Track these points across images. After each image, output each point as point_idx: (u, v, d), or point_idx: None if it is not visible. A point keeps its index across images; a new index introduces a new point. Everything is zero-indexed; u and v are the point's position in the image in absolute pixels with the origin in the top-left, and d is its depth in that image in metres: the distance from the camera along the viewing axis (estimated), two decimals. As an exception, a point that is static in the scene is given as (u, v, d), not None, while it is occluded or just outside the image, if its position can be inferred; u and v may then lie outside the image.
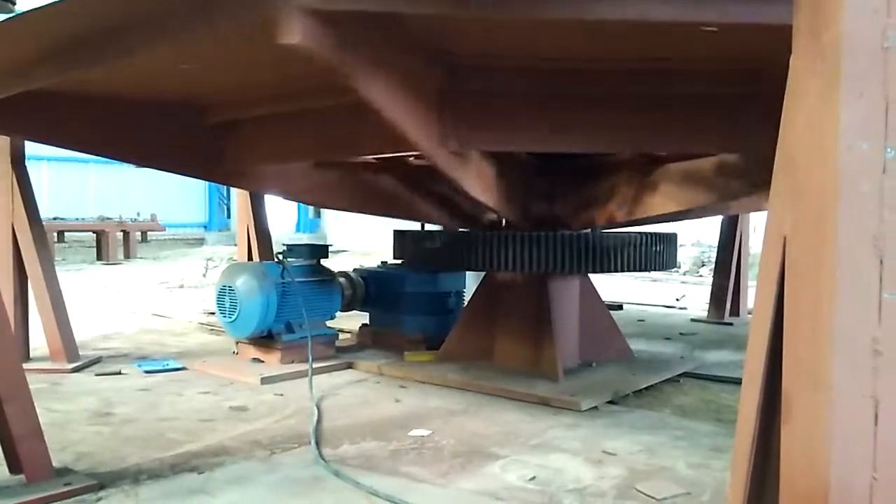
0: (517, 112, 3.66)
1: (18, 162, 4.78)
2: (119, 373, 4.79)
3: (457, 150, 3.65)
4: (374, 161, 5.34)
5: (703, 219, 7.21)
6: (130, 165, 5.80)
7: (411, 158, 5.31)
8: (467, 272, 5.86)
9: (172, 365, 4.98)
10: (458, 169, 3.81)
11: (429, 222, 6.37)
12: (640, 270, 4.91)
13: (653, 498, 2.76)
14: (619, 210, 4.77)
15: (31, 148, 4.98)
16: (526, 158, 4.85)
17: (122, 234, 16.35)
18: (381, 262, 6.07)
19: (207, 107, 4.59)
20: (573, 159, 4.94)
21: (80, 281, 10.90)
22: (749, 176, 4.20)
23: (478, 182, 4.06)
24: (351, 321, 5.95)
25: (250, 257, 6.62)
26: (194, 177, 5.85)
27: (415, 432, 3.55)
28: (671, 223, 5.93)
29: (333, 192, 5.54)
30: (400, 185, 5.51)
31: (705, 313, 7.61)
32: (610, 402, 4.12)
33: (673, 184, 4.54)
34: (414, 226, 6.71)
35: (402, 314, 5.44)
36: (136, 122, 4.40)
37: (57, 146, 4.48)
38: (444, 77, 3.46)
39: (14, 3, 3.88)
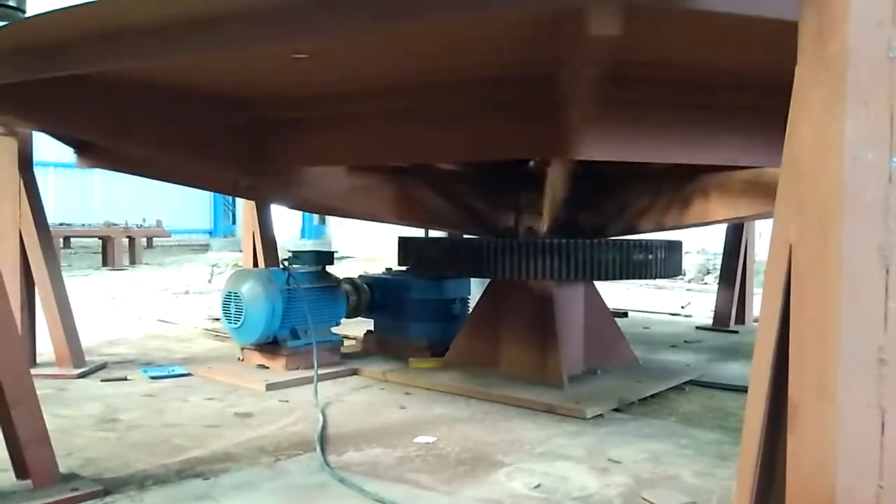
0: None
1: (26, 168, 4.81)
2: (125, 379, 4.80)
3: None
4: (407, 167, 5.32)
5: (708, 226, 7.20)
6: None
7: (442, 164, 5.36)
8: (472, 279, 5.87)
9: (178, 371, 4.99)
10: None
11: (450, 230, 6.35)
12: (645, 278, 4.92)
13: (658, 506, 2.75)
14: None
15: (37, 154, 5.02)
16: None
17: (127, 240, 16.40)
18: (386, 269, 6.08)
19: (258, 103, 4.40)
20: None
21: (86, 287, 10.94)
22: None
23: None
24: (356, 328, 5.96)
25: (256, 264, 6.64)
26: (216, 182, 5.68)
27: (420, 439, 3.55)
28: (675, 231, 5.94)
29: (365, 199, 5.38)
30: (429, 191, 5.49)
31: (710, 321, 7.60)
32: (615, 410, 4.11)
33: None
34: (418, 233, 6.72)
35: (407, 321, 5.45)
36: (174, 117, 4.24)
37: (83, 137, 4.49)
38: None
39: (24, 11, 3.91)
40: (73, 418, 3.84)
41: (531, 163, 5.07)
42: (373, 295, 5.63)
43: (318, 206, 7.68)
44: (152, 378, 4.83)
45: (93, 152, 4.84)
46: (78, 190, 20.79)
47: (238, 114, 4.42)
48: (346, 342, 5.61)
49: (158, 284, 11.58)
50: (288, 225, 20.24)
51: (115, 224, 16.75)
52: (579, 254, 4.43)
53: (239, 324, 4.89)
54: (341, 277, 5.61)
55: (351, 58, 3.37)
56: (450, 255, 4.99)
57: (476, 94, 3.66)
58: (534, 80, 3.33)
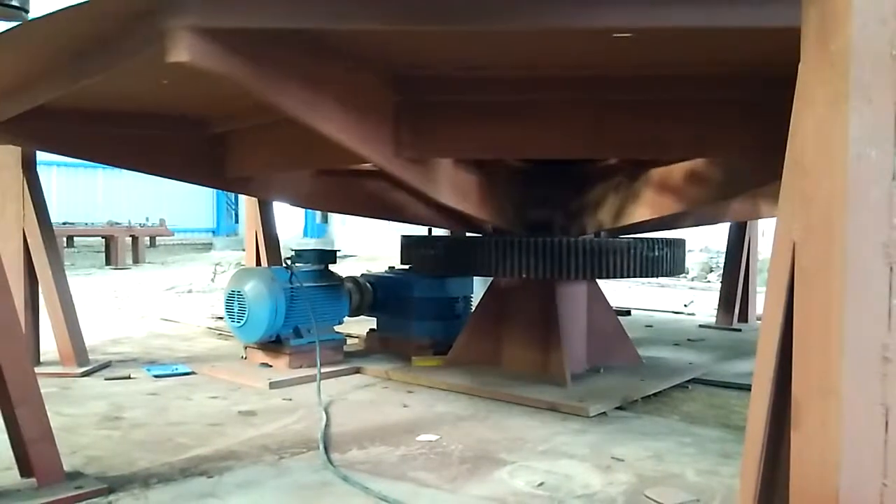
0: (471, 121, 3.71)
1: (29, 167, 4.82)
2: (128, 377, 4.81)
3: (412, 159, 3.71)
4: (371, 168, 5.34)
5: (712, 224, 7.19)
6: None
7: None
8: (475, 277, 5.87)
9: (181, 369, 5.00)
10: (423, 179, 3.87)
11: (433, 226, 6.38)
12: (649, 276, 4.91)
13: (661, 504, 2.75)
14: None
15: (41, 154, 5.02)
16: (520, 166, 4.88)
17: (130, 239, 16.44)
18: (389, 268, 6.09)
19: (204, 118, 4.62)
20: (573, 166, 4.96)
21: (90, 286, 10.96)
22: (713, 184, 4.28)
23: (451, 191, 4.13)
24: (359, 326, 5.96)
25: (258, 262, 6.65)
26: (202, 185, 5.90)
27: (423, 437, 3.55)
28: (679, 229, 5.94)
29: (335, 198, 5.58)
30: (399, 191, 5.50)
31: (714, 319, 7.59)
32: (618, 408, 4.11)
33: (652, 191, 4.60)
34: (422, 231, 6.73)
35: (410, 319, 5.45)
36: (140, 134, 4.49)
37: (64, 155, 4.61)
38: (395, 89, 3.51)
39: (27, 11, 3.92)
40: (77, 417, 3.85)
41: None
42: (375, 293, 5.63)
43: (299, 204, 7.80)
44: (156, 376, 4.84)
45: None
46: (81, 189, 20.82)
47: (195, 128, 4.64)
48: (349, 341, 5.62)
49: (162, 283, 11.60)
50: (291, 223, 20.27)
51: (118, 223, 16.79)
52: (582, 251, 4.42)
53: (242, 322, 4.89)
54: (344, 276, 5.61)
55: None
56: (451, 253, 4.98)
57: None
58: None
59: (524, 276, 4.49)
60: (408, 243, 5.44)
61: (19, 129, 3.94)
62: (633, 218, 4.69)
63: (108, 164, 5.01)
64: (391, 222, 6.31)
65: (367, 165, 5.00)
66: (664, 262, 4.74)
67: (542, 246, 4.42)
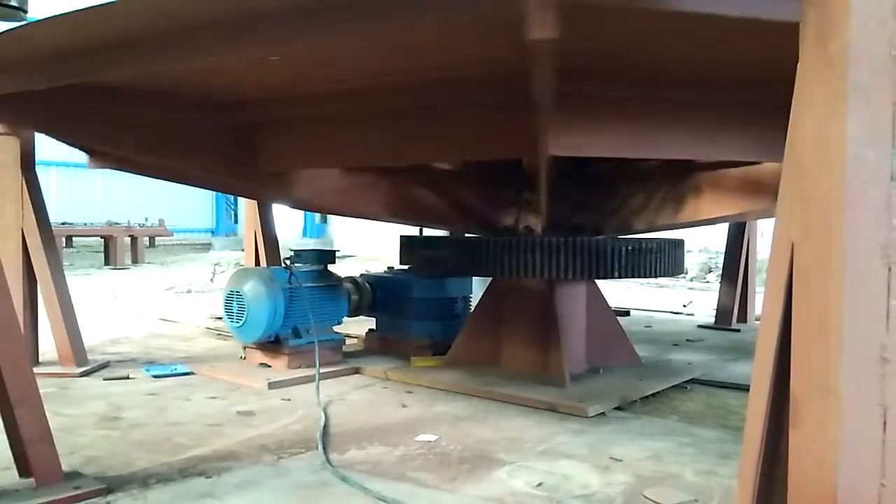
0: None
1: (28, 168, 4.81)
2: (127, 377, 4.81)
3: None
4: (402, 167, 5.33)
5: (704, 225, 7.21)
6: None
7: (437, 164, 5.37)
8: (474, 278, 5.87)
9: (180, 370, 5.00)
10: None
11: (448, 228, 6.36)
12: (647, 276, 4.91)
13: (660, 504, 2.76)
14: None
15: (40, 154, 5.02)
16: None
17: (129, 239, 16.43)
18: (388, 268, 6.09)
19: (245, 105, 4.38)
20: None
21: (89, 286, 10.95)
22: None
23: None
24: (358, 326, 5.96)
25: (258, 262, 6.65)
26: (215, 183, 5.77)
27: (421, 437, 3.55)
28: (678, 230, 5.95)
29: (361, 198, 5.43)
30: (426, 191, 5.50)
31: (712, 319, 7.59)
32: (617, 409, 4.11)
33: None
34: (419, 232, 6.72)
35: (409, 319, 5.45)
36: (163, 121, 4.32)
37: (66, 140, 4.53)
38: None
39: (26, 11, 3.91)
40: (75, 417, 3.85)
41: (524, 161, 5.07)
42: (374, 294, 5.63)
43: (313, 206, 7.72)
44: (155, 377, 4.83)
45: (102, 153, 4.85)
46: (80, 189, 20.79)
47: (226, 116, 4.47)
48: (348, 341, 5.62)
49: (161, 283, 11.59)
50: (290, 224, 20.25)
51: (117, 223, 16.77)
52: (581, 251, 4.42)
53: (241, 322, 4.89)
54: (343, 276, 5.61)
55: (328, 59, 3.40)
56: (452, 253, 4.98)
57: (453, 94, 3.65)
58: (504, 78, 3.33)
59: (523, 276, 4.50)
60: (407, 244, 5.44)
61: (25, 106, 3.83)
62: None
63: (118, 160, 4.84)
64: (405, 225, 6.28)
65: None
66: (663, 262, 4.74)
67: (542, 246, 4.42)
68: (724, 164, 4.68)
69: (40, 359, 4.98)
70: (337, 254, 5.93)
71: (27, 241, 4.78)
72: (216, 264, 13.70)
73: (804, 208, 1.57)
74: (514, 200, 5.47)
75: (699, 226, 5.35)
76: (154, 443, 3.45)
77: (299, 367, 4.87)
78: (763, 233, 8.26)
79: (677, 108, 3.55)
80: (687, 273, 12.03)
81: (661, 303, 9.28)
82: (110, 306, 8.76)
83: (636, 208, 5.26)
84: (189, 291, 10.59)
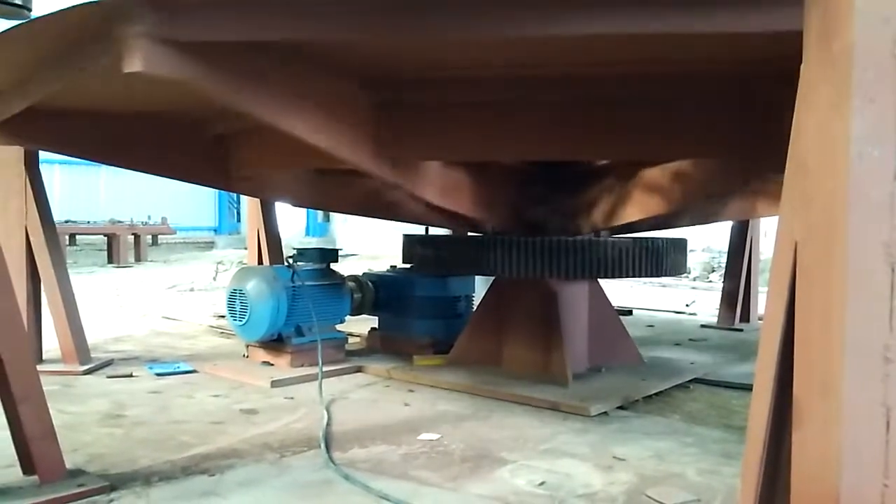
0: (454, 122, 3.70)
1: (32, 166, 4.82)
2: (130, 375, 4.82)
3: (394, 161, 3.70)
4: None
5: (713, 224, 7.19)
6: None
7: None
8: (477, 276, 5.87)
9: (183, 368, 5.01)
10: (407, 178, 3.86)
11: (428, 224, 6.38)
12: (650, 276, 4.91)
13: (662, 504, 2.76)
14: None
15: (44, 152, 5.02)
16: (517, 166, 4.88)
17: (132, 237, 16.47)
18: (391, 266, 6.09)
19: (203, 119, 4.53)
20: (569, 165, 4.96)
21: (92, 284, 10.97)
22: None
23: (439, 190, 4.14)
24: (360, 325, 5.96)
25: (260, 261, 6.66)
26: (203, 185, 5.87)
27: (424, 436, 3.55)
28: (678, 228, 5.94)
29: (337, 199, 5.56)
30: (395, 190, 5.49)
31: (715, 319, 7.58)
32: (620, 408, 4.11)
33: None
34: (423, 230, 6.73)
35: (412, 318, 5.45)
36: (140, 134, 4.44)
37: (67, 155, 4.61)
38: (374, 93, 3.51)
39: (30, 10, 3.92)
40: (79, 414, 3.86)
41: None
42: (377, 292, 5.64)
43: (308, 204, 7.78)
44: (158, 375, 4.84)
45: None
46: (83, 187, 20.82)
47: (200, 131, 4.58)
48: (351, 339, 5.62)
49: (163, 281, 11.61)
50: (293, 222, 20.29)
51: (120, 221, 16.80)
52: (584, 251, 4.42)
53: (244, 321, 4.90)
54: (346, 275, 5.61)
55: None
56: (454, 252, 4.98)
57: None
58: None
59: (525, 276, 4.49)
60: (410, 242, 5.44)
61: (20, 129, 3.93)
62: (624, 218, 4.71)
63: (114, 164, 4.95)
64: (391, 221, 6.31)
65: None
66: (666, 261, 4.74)
67: (544, 246, 4.42)
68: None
69: (44, 356, 4.99)
70: (339, 252, 5.94)
71: (31, 239, 4.79)
72: (219, 262, 13.72)
73: (807, 208, 1.57)
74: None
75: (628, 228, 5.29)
76: (157, 440, 3.45)
77: (302, 366, 4.87)
78: (766, 233, 8.24)
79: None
80: (690, 272, 12.01)
81: (664, 302, 9.27)
82: (113, 304, 8.78)
83: (585, 211, 5.17)
84: (192, 290, 10.60)
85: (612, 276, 4.59)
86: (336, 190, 5.44)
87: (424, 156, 3.93)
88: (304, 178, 5.33)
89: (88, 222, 17.21)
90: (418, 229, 6.77)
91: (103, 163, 4.91)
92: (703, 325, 7.44)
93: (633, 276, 4.68)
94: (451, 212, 5.19)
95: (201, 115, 4.45)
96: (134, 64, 2.23)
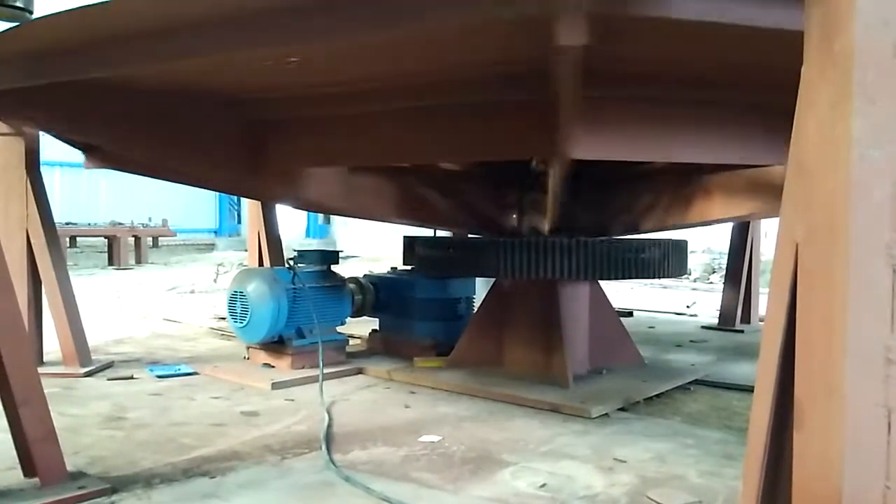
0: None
1: (33, 168, 4.82)
2: (131, 377, 4.82)
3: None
4: (409, 166, 5.30)
5: (714, 225, 7.19)
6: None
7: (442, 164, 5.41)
8: (477, 278, 5.87)
9: (184, 370, 5.01)
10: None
11: (453, 229, 6.35)
12: (651, 277, 4.91)
13: (664, 505, 2.75)
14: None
15: (44, 154, 5.02)
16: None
17: (133, 239, 16.46)
18: (391, 268, 6.09)
19: (255, 103, 4.29)
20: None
21: (92, 286, 10.97)
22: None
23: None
24: (361, 327, 5.96)
25: (261, 263, 6.66)
26: (227, 184, 5.72)
27: (425, 438, 3.55)
28: (678, 230, 5.94)
29: (369, 198, 5.35)
30: (432, 191, 5.49)
31: (716, 320, 7.58)
32: (620, 410, 4.11)
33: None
34: (422, 232, 6.72)
35: (412, 320, 5.45)
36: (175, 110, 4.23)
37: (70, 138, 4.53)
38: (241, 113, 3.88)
39: (31, 12, 3.92)
40: (80, 417, 3.86)
41: (533, 162, 5.06)
42: (378, 294, 5.64)
43: (319, 206, 7.70)
44: (158, 377, 4.84)
45: (100, 153, 4.84)
46: (84, 189, 20.82)
47: (235, 114, 4.40)
48: (352, 341, 5.62)
49: (164, 283, 11.61)
50: (293, 224, 20.28)
51: (120, 223, 16.81)
52: (584, 252, 4.42)
53: (244, 323, 4.90)
54: (346, 277, 5.61)
55: (345, 59, 3.35)
56: (455, 254, 4.98)
57: (472, 94, 3.63)
58: (523, 79, 3.31)
59: (526, 277, 4.49)
60: (410, 244, 5.44)
61: (29, 102, 3.82)
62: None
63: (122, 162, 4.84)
64: (413, 226, 6.26)
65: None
66: (666, 263, 4.74)
67: (545, 247, 4.42)
68: (734, 165, 4.66)
69: (45, 359, 4.99)
70: (340, 254, 5.94)
71: (31, 241, 4.79)
72: (219, 264, 13.72)
73: (809, 209, 1.57)
74: (517, 201, 5.47)
75: (707, 225, 5.35)
76: (158, 443, 3.45)
77: (303, 368, 4.87)
78: (767, 234, 8.24)
79: (699, 109, 3.53)
80: (690, 274, 12.01)
81: (665, 304, 9.27)
82: (114, 306, 8.78)
83: (642, 209, 5.25)
84: (192, 292, 10.60)
85: (613, 278, 4.58)
86: (370, 193, 5.29)
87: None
88: (338, 178, 5.14)
89: (89, 224, 17.22)
90: (418, 231, 6.76)
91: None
92: (703, 327, 7.44)
93: (634, 278, 4.68)
94: (480, 214, 5.27)
95: (256, 97, 4.26)
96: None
